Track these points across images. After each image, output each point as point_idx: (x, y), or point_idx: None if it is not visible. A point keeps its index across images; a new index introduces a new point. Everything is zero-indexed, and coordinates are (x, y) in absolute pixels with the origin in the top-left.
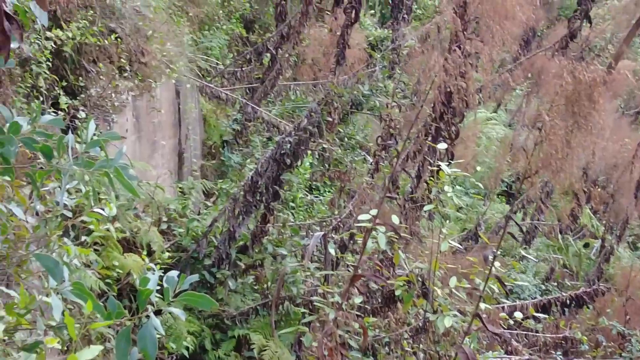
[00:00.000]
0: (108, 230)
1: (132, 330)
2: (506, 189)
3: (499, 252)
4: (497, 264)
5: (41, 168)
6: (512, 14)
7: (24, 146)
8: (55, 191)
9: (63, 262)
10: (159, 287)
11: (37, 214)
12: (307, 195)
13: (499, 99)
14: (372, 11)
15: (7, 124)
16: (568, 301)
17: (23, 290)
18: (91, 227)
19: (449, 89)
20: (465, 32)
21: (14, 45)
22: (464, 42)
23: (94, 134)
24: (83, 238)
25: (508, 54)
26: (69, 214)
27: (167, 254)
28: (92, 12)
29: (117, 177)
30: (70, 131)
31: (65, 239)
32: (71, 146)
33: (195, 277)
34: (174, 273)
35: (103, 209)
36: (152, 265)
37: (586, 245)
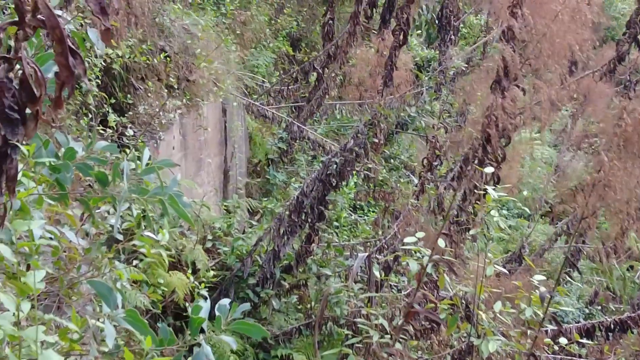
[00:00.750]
0: (160, 254)
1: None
2: (549, 209)
3: (544, 277)
4: (542, 289)
5: (91, 187)
6: (571, 52)
7: (76, 170)
8: (107, 215)
9: (116, 288)
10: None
11: (87, 234)
12: (351, 215)
13: (544, 120)
14: (419, 31)
15: (63, 149)
16: (612, 325)
17: (75, 314)
18: (142, 250)
19: (502, 124)
20: (522, 70)
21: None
22: (522, 81)
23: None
24: (134, 262)
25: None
26: (120, 237)
27: (211, 272)
28: (141, 30)
29: (171, 205)
30: (120, 150)
31: (116, 262)
32: (126, 173)
33: (247, 306)
34: (225, 301)
35: (154, 230)
36: (196, 283)
37: (630, 268)
